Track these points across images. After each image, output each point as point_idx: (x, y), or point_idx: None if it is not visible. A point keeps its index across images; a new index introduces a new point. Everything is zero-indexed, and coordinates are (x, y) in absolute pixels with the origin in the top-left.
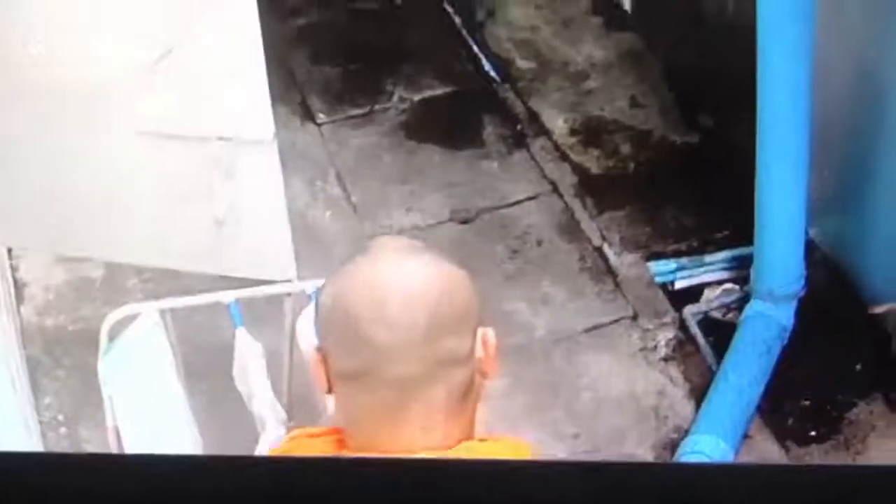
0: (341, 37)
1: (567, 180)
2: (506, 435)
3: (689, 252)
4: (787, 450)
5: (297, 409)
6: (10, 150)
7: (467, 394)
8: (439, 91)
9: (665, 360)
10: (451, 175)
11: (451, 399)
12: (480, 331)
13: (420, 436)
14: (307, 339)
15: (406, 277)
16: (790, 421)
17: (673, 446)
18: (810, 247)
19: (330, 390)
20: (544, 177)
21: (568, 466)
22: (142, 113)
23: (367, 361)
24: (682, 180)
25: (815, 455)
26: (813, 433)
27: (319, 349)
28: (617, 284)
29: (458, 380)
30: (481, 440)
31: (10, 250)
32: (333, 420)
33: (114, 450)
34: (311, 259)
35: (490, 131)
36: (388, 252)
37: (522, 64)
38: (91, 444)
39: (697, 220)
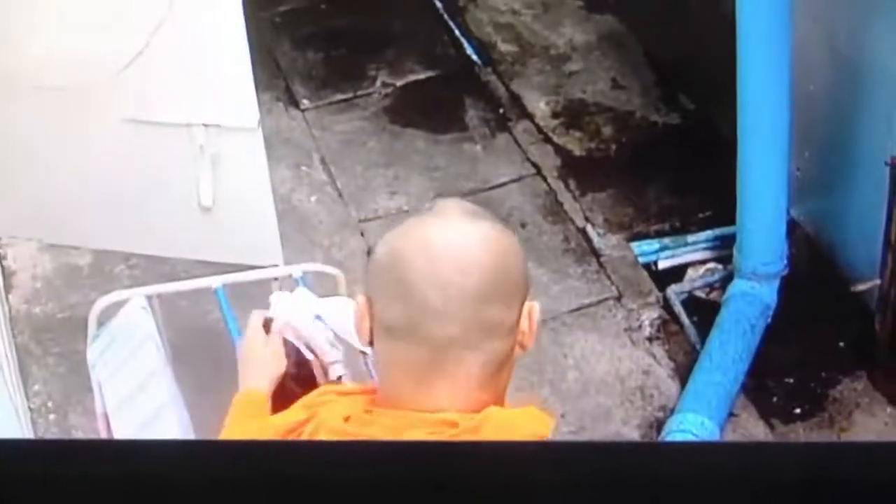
0: (324, 23)
1: (550, 162)
2: (529, 407)
3: (672, 232)
4: (771, 427)
5: None
6: None
7: (503, 364)
8: (422, 75)
9: (650, 339)
10: (435, 159)
11: (486, 368)
12: (527, 304)
13: (447, 399)
14: (281, 319)
15: (464, 241)
16: (775, 399)
17: (658, 425)
18: (792, 226)
19: (371, 342)
20: (527, 159)
21: (552, 446)
22: (127, 101)
23: (412, 318)
24: (665, 161)
25: (800, 432)
26: (797, 411)
27: (367, 298)
28: (601, 265)
29: (496, 349)
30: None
31: None
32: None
33: (103, 436)
34: (297, 243)
35: (473, 115)
36: (450, 214)
37: (504, 47)
38: (80, 431)
39: (680, 200)
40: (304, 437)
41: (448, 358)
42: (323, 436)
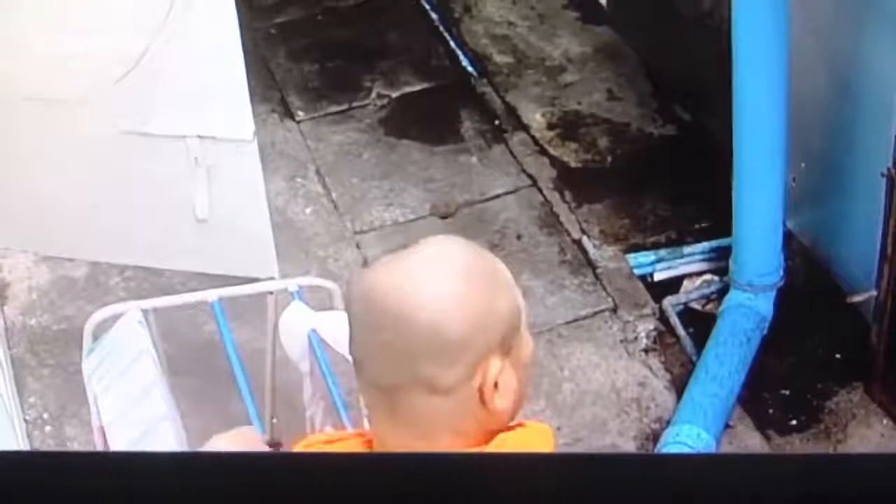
0: (320, 34)
1: (546, 174)
2: (530, 420)
3: (667, 244)
4: (768, 439)
5: (279, 407)
6: None
7: (472, 418)
8: (417, 87)
9: (646, 351)
10: (431, 170)
11: (450, 419)
12: (491, 363)
13: (414, 443)
14: (289, 336)
15: (406, 290)
16: (771, 410)
17: (655, 437)
18: (788, 237)
19: None
20: (523, 171)
21: (547, 458)
22: (123, 113)
23: (356, 359)
24: (660, 172)
25: (796, 444)
26: (793, 422)
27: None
28: (597, 277)
29: (446, 406)
30: (510, 428)
31: None
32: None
33: (99, 448)
34: (292, 255)
35: (468, 126)
36: (418, 255)
37: (499, 59)
38: (76, 443)
39: (676, 211)
40: None
41: (398, 402)
42: None
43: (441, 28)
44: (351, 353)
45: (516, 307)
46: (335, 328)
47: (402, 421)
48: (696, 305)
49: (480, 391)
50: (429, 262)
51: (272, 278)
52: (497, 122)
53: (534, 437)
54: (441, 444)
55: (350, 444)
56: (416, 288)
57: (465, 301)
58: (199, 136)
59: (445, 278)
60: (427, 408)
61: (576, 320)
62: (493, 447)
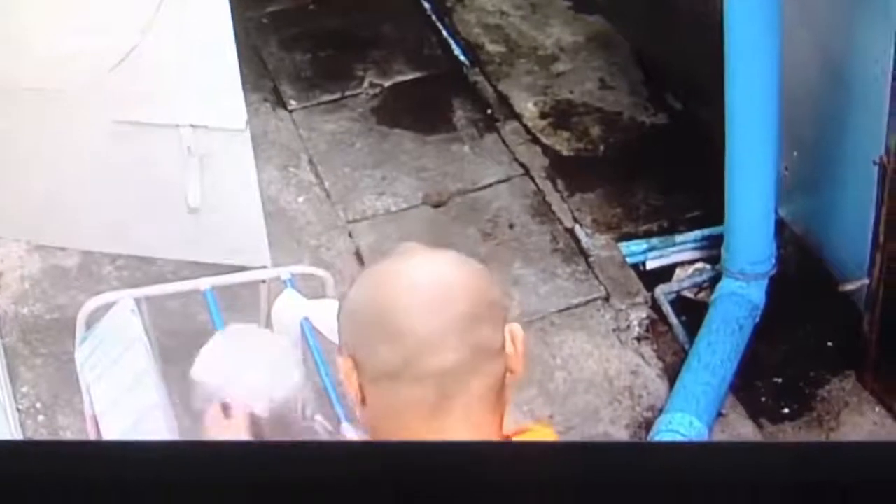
0: (312, 23)
1: (538, 163)
2: (530, 425)
3: (660, 232)
4: (760, 427)
5: None
6: None
7: (502, 388)
8: (410, 76)
9: (638, 339)
10: (423, 159)
11: (490, 392)
12: (509, 327)
13: (463, 430)
14: (282, 324)
15: (439, 268)
16: (763, 398)
17: (647, 425)
18: (780, 226)
19: (363, 400)
20: (515, 160)
21: (540, 446)
22: (115, 103)
23: (407, 353)
24: (653, 161)
25: (789, 432)
26: (786, 410)
27: (349, 357)
28: (589, 265)
29: (495, 371)
30: (517, 433)
31: None
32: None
33: (92, 437)
34: (285, 244)
35: (461, 115)
36: (414, 250)
37: (492, 48)
38: (69, 432)
39: (668, 200)
40: None
41: (453, 387)
42: None
43: (433, 17)
44: (384, 367)
45: None
46: (328, 317)
47: (454, 408)
48: (688, 294)
49: (509, 358)
50: (428, 250)
51: (265, 267)
52: (489, 111)
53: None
54: (484, 427)
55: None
56: (448, 265)
57: (483, 269)
58: (192, 126)
59: (457, 256)
60: (479, 384)
61: (568, 309)
62: None
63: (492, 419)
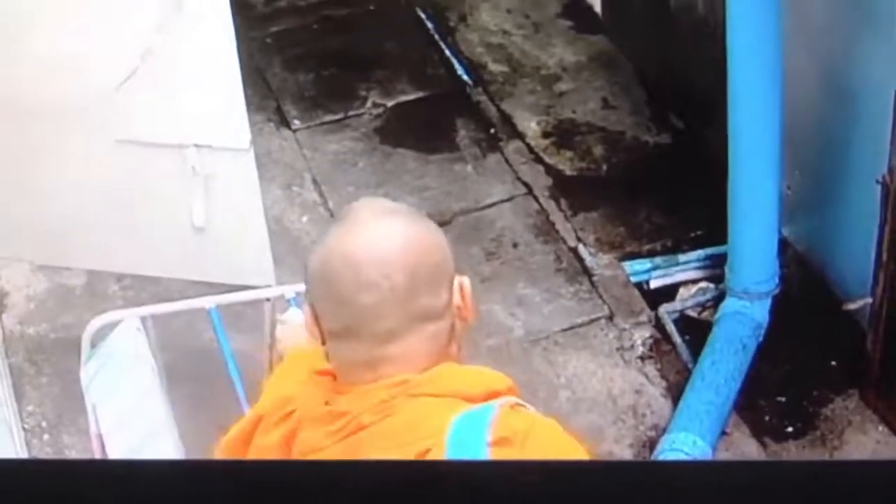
0: (315, 43)
1: (541, 182)
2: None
3: (663, 251)
4: (764, 446)
5: None
6: None
7: (448, 339)
8: (413, 96)
9: (642, 358)
10: (426, 179)
11: (431, 344)
12: (457, 281)
13: (398, 372)
14: (286, 342)
15: (381, 240)
16: (767, 417)
17: (651, 444)
18: (784, 245)
19: (324, 342)
20: (518, 179)
21: (545, 465)
22: (119, 122)
23: (349, 321)
24: (656, 180)
25: (792, 451)
26: (790, 429)
27: (311, 305)
28: (593, 284)
29: (435, 331)
30: (484, 396)
31: None
32: None
33: (97, 456)
34: (289, 263)
35: (464, 135)
36: (362, 217)
37: (495, 68)
38: (74, 451)
39: (671, 219)
40: (293, 424)
41: (392, 345)
42: (309, 425)
43: (436, 37)
44: (333, 328)
45: None
46: None
47: (392, 362)
48: (691, 313)
49: (458, 310)
50: (378, 213)
51: (269, 286)
52: (492, 131)
53: (474, 374)
54: (421, 369)
55: (326, 382)
56: (389, 237)
57: (429, 232)
58: (196, 146)
59: (402, 223)
60: (417, 340)
61: (572, 328)
62: (431, 372)
63: (429, 364)
